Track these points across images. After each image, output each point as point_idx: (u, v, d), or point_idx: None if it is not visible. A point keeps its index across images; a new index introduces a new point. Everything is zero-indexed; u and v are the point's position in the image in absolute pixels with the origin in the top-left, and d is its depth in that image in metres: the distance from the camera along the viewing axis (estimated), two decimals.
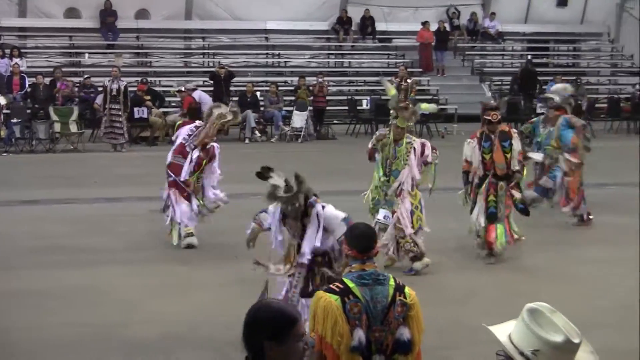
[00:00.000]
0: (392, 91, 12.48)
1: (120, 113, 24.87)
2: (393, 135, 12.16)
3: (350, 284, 5.39)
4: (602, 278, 12.04)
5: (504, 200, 12.69)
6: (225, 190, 14.43)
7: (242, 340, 4.04)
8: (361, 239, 5.61)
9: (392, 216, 11.97)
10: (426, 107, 13.83)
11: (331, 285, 5.48)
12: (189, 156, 13.52)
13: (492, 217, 12.66)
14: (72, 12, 32.58)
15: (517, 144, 12.83)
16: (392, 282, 5.46)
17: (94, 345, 9.38)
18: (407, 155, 12.04)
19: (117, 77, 25.10)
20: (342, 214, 8.22)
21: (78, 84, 28.42)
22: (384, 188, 12.14)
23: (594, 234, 14.81)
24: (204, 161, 13.58)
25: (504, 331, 4.05)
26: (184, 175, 13.47)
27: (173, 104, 28.53)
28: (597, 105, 32.00)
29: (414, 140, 12.26)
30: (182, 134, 13.85)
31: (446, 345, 9.05)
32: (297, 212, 8.18)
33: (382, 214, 11.95)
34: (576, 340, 3.89)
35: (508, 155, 12.65)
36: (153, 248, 13.54)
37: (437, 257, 12.40)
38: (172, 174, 13.65)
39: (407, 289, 5.49)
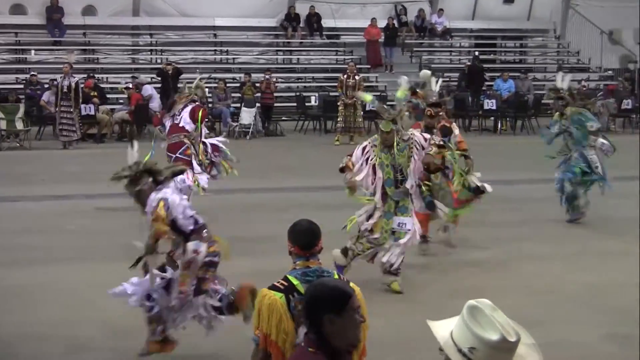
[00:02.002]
0: (368, 98, 12.15)
1: (71, 110, 24.65)
2: (382, 142, 11.08)
3: (295, 281, 5.41)
4: (547, 273, 12.17)
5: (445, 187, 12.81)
6: None
7: (304, 317, 4.43)
8: (304, 236, 5.61)
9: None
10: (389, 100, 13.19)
11: (275, 283, 5.49)
12: (181, 115, 14.50)
13: (430, 206, 12.46)
14: (17, 9, 32.28)
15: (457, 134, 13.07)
16: (336, 278, 5.50)
17: (37, 344, 9.31)
18: (411, 153, 11.09)
19: (69, 73, 24.88)
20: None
21: (24, 81, 28.26)
22: (394, 197, 11.12)
23: (539, 230, 14.94)
24: (200, 110, 14.55)
25: (447, 328, 4.08)
26: (187, 125, 14.37)
27: (120, 101, 28.37)
28: (543, 101, 32.26)
29: (413, 135, 11.22)
30: (167, 122, 14.73)
31: (397, 342, 9.12)
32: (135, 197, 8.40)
33: (396, 221, 11.09)
34: (512, 339, 3.91)
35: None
36: (101, 246, 13.46)
37: None
38: (171, 154, 14.38)
39: (351, 285, 5.52)
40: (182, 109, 14.55)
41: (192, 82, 15.39)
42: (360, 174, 11.11)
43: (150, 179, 8.37)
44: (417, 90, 14.60)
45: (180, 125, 14.45)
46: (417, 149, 11.06)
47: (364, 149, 11.21)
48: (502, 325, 3.91)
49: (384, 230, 11.13)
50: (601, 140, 15.18)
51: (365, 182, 11.17)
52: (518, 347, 3.98)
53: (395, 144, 11.04)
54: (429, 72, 14.92)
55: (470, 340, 3.92)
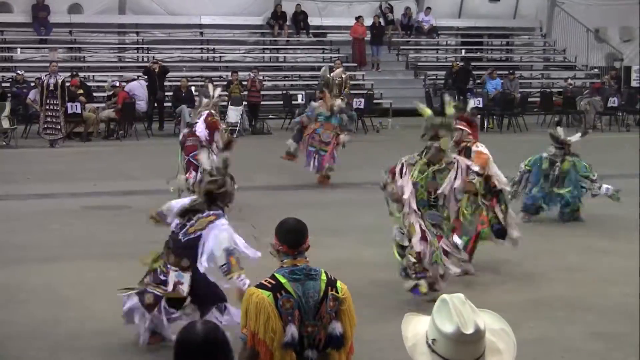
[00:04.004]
0: (427, 112, 10.67)
1: (57, 108, 24.50)
2: (430, 159, 10.36)
3: (282, 280, 5.41)
4: (534, 271, 12.17)
5: None
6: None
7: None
8: (291, 234, 5.61)
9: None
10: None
11: (263, 281, 5.49)
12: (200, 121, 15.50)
13: (499, 233, 12.01)
14: (3, 7, 32.17)
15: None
16: (323, 276, 5.49)
17: (22, 342, 9.27)
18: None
19: (55, 71, 24.76)
20: (225, 244, 8.19)
21: (10, 79, 28.18)
22: (429, 219, 10.38)
23: (526, 227, 14.91)
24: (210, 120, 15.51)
25: (425, 322, 4.12)
26: (201, 133, 15.27)
27: (107, 99, 28.29)
28: (529, 99, 32.34)
29: (456, 159, 10.53)
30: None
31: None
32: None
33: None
34: (468, 332, 3.92)
35: None
36: (86, 244, 13.43)
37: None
38: (186, 155, 15.38)
39: (339, 283, 5.52)
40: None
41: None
42: (406, 191, 10.35)
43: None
44: (324, 90, 14.90)
45: (196, 131, 15.37)
46: (460, 174, 10.33)
47: (401, 168, 10.46)
48: (463, 318, 3.92)
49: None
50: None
51: (410, 199, 10.37)
52: (496, 341, 4.00)
53: (439, 164, 10.39)
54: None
55: (432, 331, 3.98)
